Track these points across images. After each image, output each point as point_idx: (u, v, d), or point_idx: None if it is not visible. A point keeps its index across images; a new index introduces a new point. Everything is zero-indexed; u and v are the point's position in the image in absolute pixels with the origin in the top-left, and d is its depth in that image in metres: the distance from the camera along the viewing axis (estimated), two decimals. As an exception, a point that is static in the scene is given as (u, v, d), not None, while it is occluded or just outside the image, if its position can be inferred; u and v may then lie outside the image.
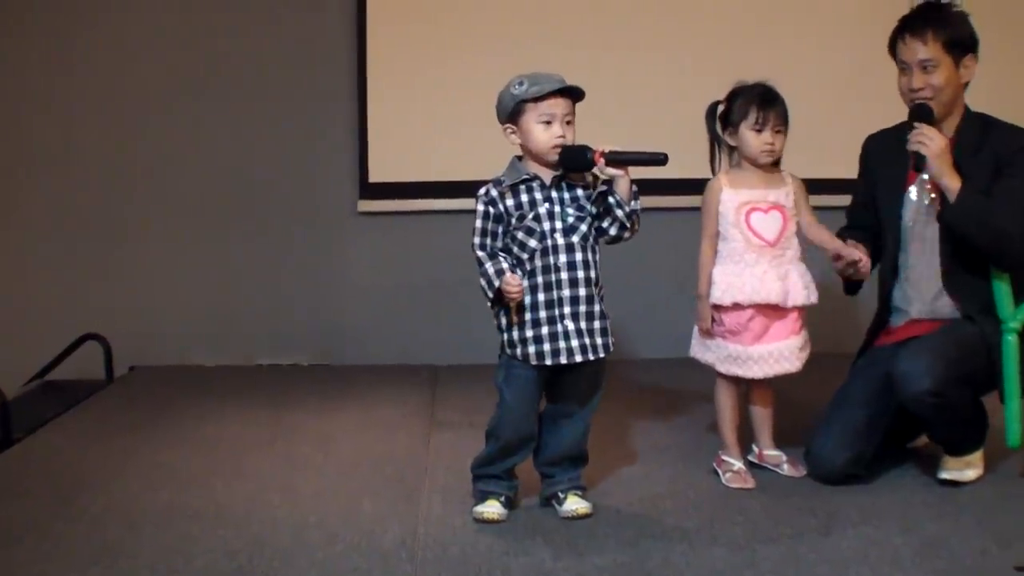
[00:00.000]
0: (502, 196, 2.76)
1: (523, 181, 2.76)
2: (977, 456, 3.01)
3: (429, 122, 4.64)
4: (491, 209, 2.76)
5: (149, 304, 4.72)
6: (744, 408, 3.12)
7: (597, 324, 2.76)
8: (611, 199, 2.73)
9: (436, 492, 2.98)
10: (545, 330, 2.73)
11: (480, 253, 2.75)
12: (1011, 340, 2.92)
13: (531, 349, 2.73)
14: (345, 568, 2.47)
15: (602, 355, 2.76)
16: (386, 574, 2.44)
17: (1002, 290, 2.95)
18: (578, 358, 2.73)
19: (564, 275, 2.73)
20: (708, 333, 3.04)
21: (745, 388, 3.11)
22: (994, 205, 2.89)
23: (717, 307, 3.00)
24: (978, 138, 2.99)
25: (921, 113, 2.96)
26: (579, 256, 2.74)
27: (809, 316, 3.08)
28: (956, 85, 2.99)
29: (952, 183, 2.88)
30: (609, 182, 2.74)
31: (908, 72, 2.99)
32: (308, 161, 4.73)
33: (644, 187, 4.52)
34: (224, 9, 4.67)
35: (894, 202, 3.10)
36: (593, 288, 2.77)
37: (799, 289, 2.99)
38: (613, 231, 2.77)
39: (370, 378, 4.41)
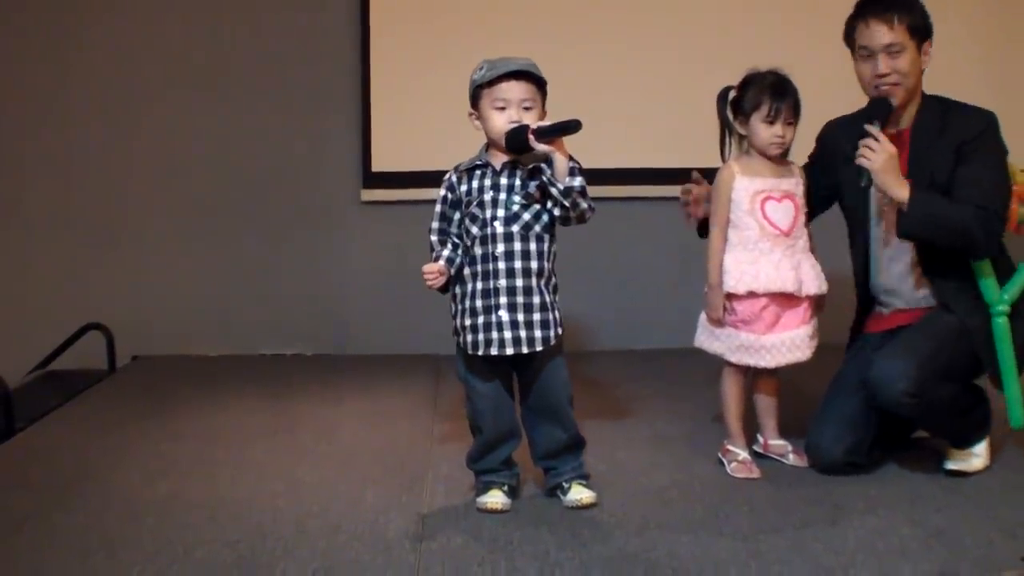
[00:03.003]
0: (459, 181, 2.76)
1: (476, 167, 2.75)
2: (982, 446, 3.00)
3: (432, 111, 4.62)
4: (449, 194, 2.78)
5: (151, 294, 4.71)
6: (749, 398, 3.11)
7: (537, 316, 2.69)
8: (544, 177, 2.66)
9: (439, 482, 2.97)
10: (481, 319, 2.70)
11: (432, 238, 2.78)
12: (1001, 323, 2.90)
13: (468, 338, 2.72)
14: (348, 558, 2.46)
15: (538, 348, 2.69)
16: (389, 564, 2.43)
17: (984, 273, 2.92)
18: (509, 350, 2.68)
19: (501, 264, 2.69)
20: (719, 323, 3.01)
21: (751, 377, 3.09)
22: (953, 198, 2.85)
23: (730, 296, 2.97)
24: (938, 123, 2.95)
25: (878, 109, 2.91)
26: (518, 246, 2.69)
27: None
28: (919, 71, 2.96)
29: (901, 193, 2.82)
30: (548, 162, 2.65)
31: (872, 58, 2.94)
32: (311, 151, 4.72)
33: (645, 176, 4.60)
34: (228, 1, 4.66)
35: (859, 196, 3.05)
36: (534, 279, 2.70)
37: (811, 278, 2.98)
38: (557, 212, 2.68)
39: (373, 368, 4.41)
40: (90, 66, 4.65)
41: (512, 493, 2.80)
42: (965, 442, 2.98)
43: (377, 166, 4.69)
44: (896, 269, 3.06)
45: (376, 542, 2.55)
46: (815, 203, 3.12)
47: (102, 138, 4.67)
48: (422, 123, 4.64)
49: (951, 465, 2.97)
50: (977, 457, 2.98)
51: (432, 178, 4.62)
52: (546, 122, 2.64)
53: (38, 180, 4.68)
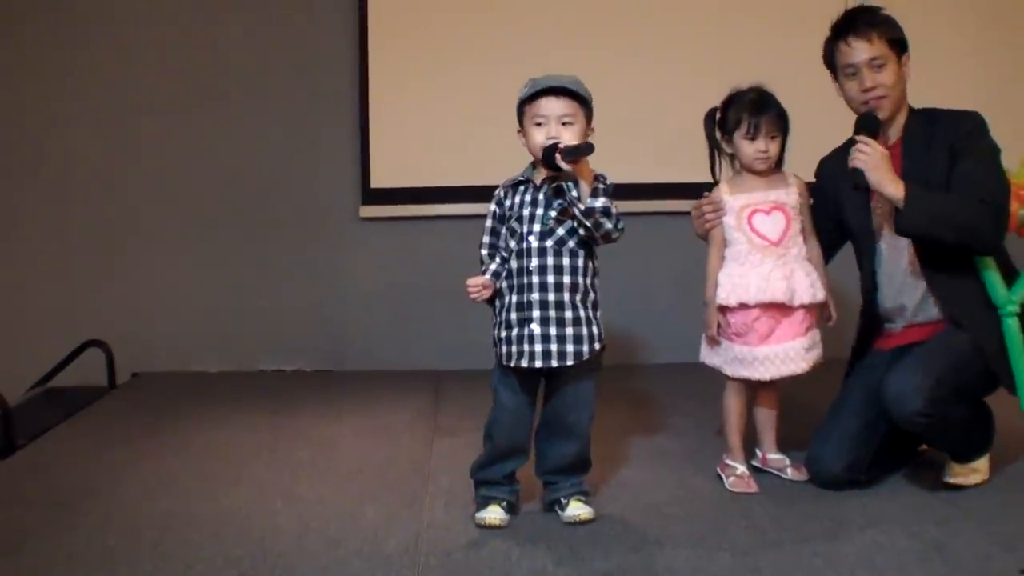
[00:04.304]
0: (505, 196, 2.81)
1: (520, 182, 2.79)
2: (983, 461, 3.00)
3: (430, 127, 4.64)
4: (497, 209, 2.83)
5: (151, 310, 4.72)
6: (748, 411, 3.11)
7: (570, 331, 2.71)
8: (567, 197, 2.69)
9: (439, 497, 2.98)
10: (515, 332, 2.73)
11: (482, 252, 2.83)
12: (1011, 323, 2.91)
13: (504, 349, 2.75)
14: (347, 574, 2.46)
15: (569, 363, 2.71)
16: (388, 580, 2.44)
17: (991, 277, 2.93)
18: (538, 363, 2.70)
19: (535, 279, 2.72)
20: (715, 340, 3.03)
21: (752, 393, 3.10)
22: (952, 195, 2.87)
23: (723, 309, 2.99)
24: (926, 131, 2.98)
25: (866, 123, 2.94)
26: (551, 260, 2.72)
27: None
28: (902, 83, 3.00)
29: (896, 191, 2.83)
30: (574, 180, 2.68)
31: (856, 75, 2.98)
32: (310, 167, 4.74)
33: (647, 191, 4.61)
34: (225, 14, 4.68)
35: (863, 220, 3.08)
36: (567, 294, 2.72)
37: (805, 287, 2.98)
38: (581, 231, 2.71)
39: (372, 383, 4.41)
40: (87, 80, 4.66)
41: (511, 509, 2.80)
42: (967, 457, 2.98)
43: (376, 183, 4.71)
44: (903, 289, 3.06)
45: (375, 557, 2.55)
46: (827, 240, 3.14)
47: (100, 154, 4.69)
48: (421, 140, 4.66)
49: (950, 479, 2.97)
50: (977, 472, 2.98)
51: (431, 194, 4.69)
52: (574, 141, 2.67)
53: (36, 196, 4.69)
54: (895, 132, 3.02)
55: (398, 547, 2.61)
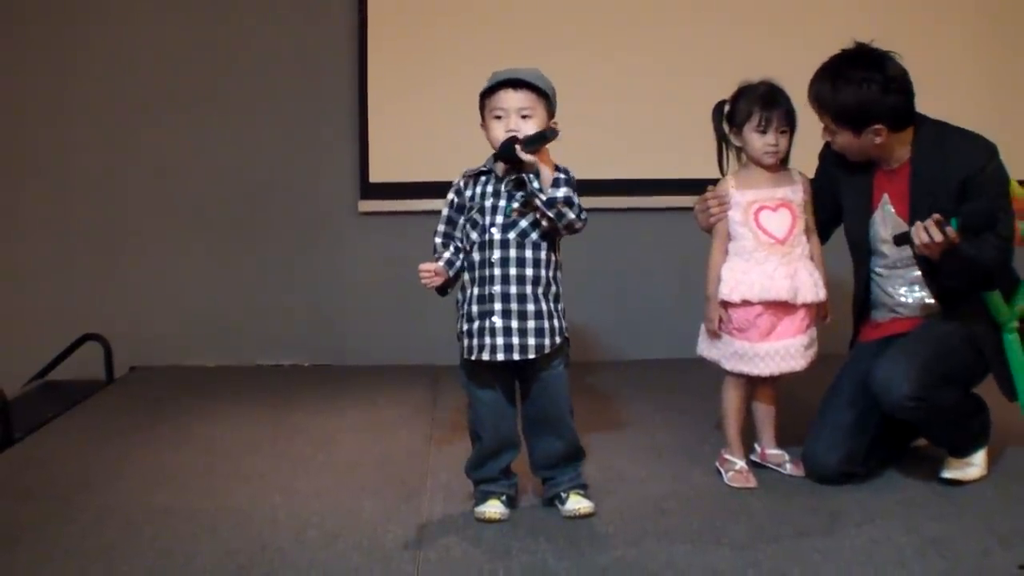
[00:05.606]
0: (465, 186, 2.79)
1: (481, 173, 2.78)
2: (980, 456, 3.01)
3: (429, 122, 4.63)
4: (455, 198, 2.81)
5: (149, 304, 4.71)
6: (747, 406, 3.11)
7: (531, 324, 2.69)
8: (528, 188, 2.68)
9: (437, 492, 2.98)
10: (476, 324, 2.72)
11: (436, 240, 2.81)
12: (1012, 338, 2.93)
13: (465, 342, 2.74)
14: (346, 568, 2.46)
15: (530, 356, 2.69)
16: (388, 574, 2.43)
17: (991, 295, 2.93)
18: (500, 356, 2.69)
19: (497, 271, 2.71)
20: (715, 334, 3.03)
21: (751, 388, 3.10)
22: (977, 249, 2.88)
23: (726, 304, 2.99)
24: (938, 152, 2.94)
25: (902, 239, 2.88)
26: (514, 253, 2.71)
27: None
28: (866, 145, 2.96)
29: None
30: (535, 171, 2.67)
31: None
32: (308, 161, 4.73)
33: (645, 187, 4.61)
34: (225, 10, 4.67)
35: (862, 218, 3.08)
36: (530, 286, 2.70)
37: (808, 286, 2.99)
38: (544, 222, 2.69)
39: (371, 378, 4.41)
40: (87, 77, 4.65)
41: (510, 503, 2.80)
42: (964, 451, 2.99)
43: (375, 177, 4.69)
44: (898, 282, 3.07)
45: (374, 552, 2.55)
46: (827, 219, 3.14)
47: (100, 149, 4.67)
48: (420, 134, 4.64)
49: (947, 474, 2.97)
50: (974, 466, 2.99)
51: (430, 189, 4.66)
52: (535, 131, 2.66)
53: (35, 190, 4.68)
54: (903, 155, 2.99)
55: (397, 541, 2.62)
